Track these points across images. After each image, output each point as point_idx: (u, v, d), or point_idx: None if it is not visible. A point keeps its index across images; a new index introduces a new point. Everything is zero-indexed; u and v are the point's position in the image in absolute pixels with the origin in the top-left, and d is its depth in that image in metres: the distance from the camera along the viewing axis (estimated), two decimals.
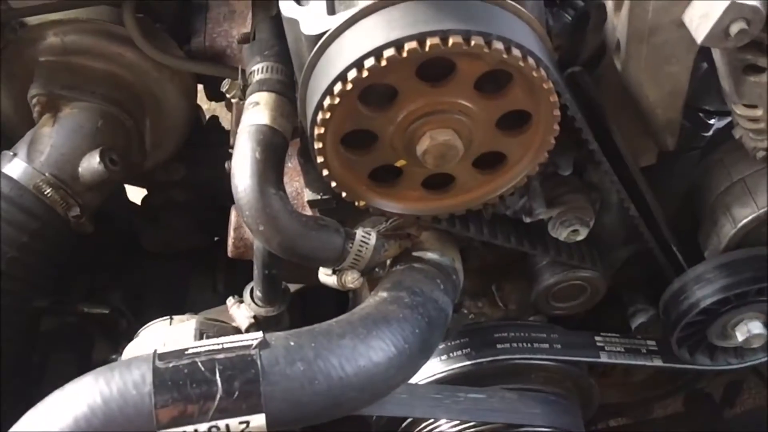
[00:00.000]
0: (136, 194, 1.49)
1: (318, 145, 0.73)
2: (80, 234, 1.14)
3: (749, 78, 0.76)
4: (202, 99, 1.44)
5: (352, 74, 0.67)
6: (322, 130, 0.72)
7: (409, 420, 0.99)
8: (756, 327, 0.94)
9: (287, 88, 0.84)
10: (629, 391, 1.30)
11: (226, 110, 1.23)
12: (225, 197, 1.12)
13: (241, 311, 0.96)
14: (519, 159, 0.80)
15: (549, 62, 0.72)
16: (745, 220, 0.90)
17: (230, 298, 0.98)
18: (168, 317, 0.97)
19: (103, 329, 1.32)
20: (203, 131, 1.43)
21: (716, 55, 0.76)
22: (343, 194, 0.79)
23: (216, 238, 1.47)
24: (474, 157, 0.79)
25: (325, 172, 0.76)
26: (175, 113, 1.24)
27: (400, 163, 0.78)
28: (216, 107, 1.73)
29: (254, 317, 0.95)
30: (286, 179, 1.01)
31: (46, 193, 1.09)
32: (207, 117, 1.50)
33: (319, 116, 0.71)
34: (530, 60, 0.69)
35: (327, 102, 0.70)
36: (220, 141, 1.30)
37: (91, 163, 1.11)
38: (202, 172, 1.38)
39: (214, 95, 1.42)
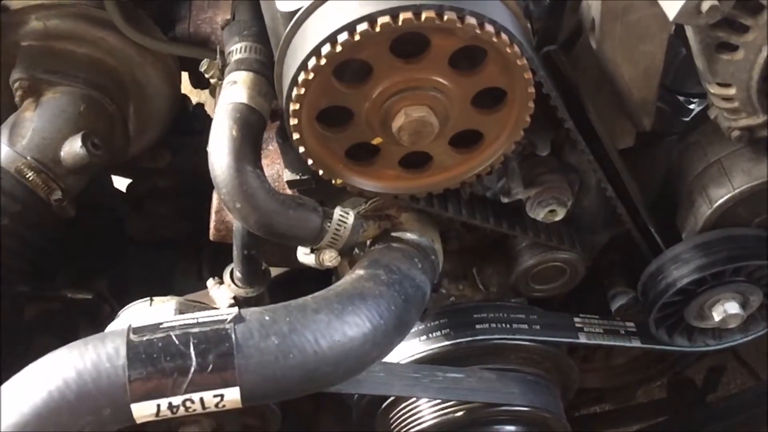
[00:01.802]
0: (121, 182, 1.49)
1: (293, 121, 0.73)
2: (62, 218, 1.14)
3: (722, 56, 0.77)
4: (192, 92, 1.45)
5: (326, 49, 0.68)
6: (297, 106, 0.72)
7: (389, 401, 0.99)
8: (732, 307, 0.95)
9: (265, 68, 0.84)
10: (610, 376, 1.30)
11: (212, 98, 1.23)
12: (210, 185, 1.13)
13: (221, 292, 0.96)
14: (495, 137, 0.81)
15: (523, 39, 0.72)
16: (720, 200, 0.91)
17: (210, 279, 0.98)
18: (148, 299, 0.98)
19: (87, 315, 1.32)
20: (189, 119, 1.43)
21: (689, 33, 0.77)
22: (320, 172, 0.80)
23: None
24: (450, 135, 0.80)
25: (302, 149, 0.77)
26: (158, 99, 1.24)
27: (376, 140, 0.79)
28: (205, 98, 1.73)
29: (234, 298, 0.95)
30: (266, 162, 1.02)
31: (27, 176, 1.09)
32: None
33: (294, 92, 0.71)
34: (504, 36, 0.70)
35: (302, 77, 0.70)
36: (206, 128, 1.31)
37: (73, 147, 1.11)
38: (188, 160, 1.38)
39: (199, 83, 1.43)
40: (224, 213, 1.07)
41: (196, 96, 1.55)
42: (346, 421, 1.13)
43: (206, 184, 1.14)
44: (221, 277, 0.98)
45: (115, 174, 1.46)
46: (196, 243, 1.43)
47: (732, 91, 0.79)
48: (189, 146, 1.37)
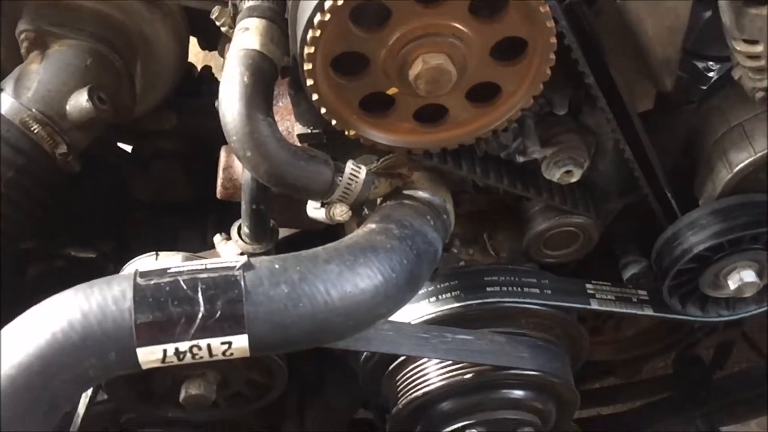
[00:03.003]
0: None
1: (308, 66, 0.71)
2: (67, 173, 1.12)
3: (750, 10, 0.74)
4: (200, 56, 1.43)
5: None
6: (312, 50, 0.70)
7: (395, 363, 0.98)
8: (748, 275, 0.93)
9: (278, 15, 0.81)
10: (619, 349, 1.29)
11: (221, 57, 1.21)
12: (216, 148, 1.11)
13: (228, 248, 0.94)
14: (514, 91, 0.79)
15: None
16: (741, 165, 0.89)
17: (218, 235, 0.97)
18: (154, 253, 0.96)
19: (91, 275, 1.30)
20: (195, 81, 1.40)
21: None
22: (333, 122, 0.78)
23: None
24: (468, 87, 0.78)
25: (315, 97, 0.75)
26: (166, 56, 1.22)
27: (391, 91, 0.77)
28: (212, 61, 1.71)
29: (241, 254, 0.93)
30: (277, 118, 0.99)
31: (32, 129, 1.07)
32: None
33: (309, 34, 0.69)
34: None
35: (317, 18, 0.68)
36: (213, 91, 1.29)
37: (79, 101, 1.09)
38: (194, 122, 1.36)
39: (207, 44, 1.40)
40: (232, 171, 1.06)
41: (204, 60, 1.53)
42: (351, 386, 1.12)
43: (212, 148, 1.14)
44: (228, 234, 0.97)
45: (121, 141, 1.45)
46: (201, 207, 1.41)
47: (759, 48, 0.77)
48: (196, 109, 1.35)
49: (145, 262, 0.94)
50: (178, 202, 1.43)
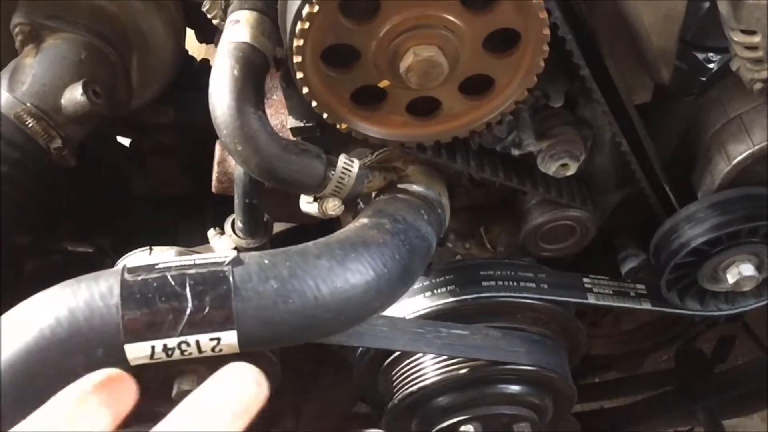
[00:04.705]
0: (125, 139, 1.47)
1: (297, 58, 0.70)
2: (62, 167, 1.11)
3: (747, 0, 0.73)
4: (197, 49, 1.42)
5: None
6: (301, 42, 0.69)
7: (391, 358, 0.97)
8: (747, 269, 0.92)
9: (269, 7, 0.81)
10: (619, 343, 1.28)
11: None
12: (215, 142, 1.10)
13: (222, 242, 0.94)
14: (507, 83, 0.78)
15: None
16: (740, 157, 0.87)
17: (212, 229, 0.96)
18: (148, 247, 0.96)
19: (88, 270, 1.30)
20: (193, 75, 1.40)
21: None
22: (324, 115, 0.77)
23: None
24: (460, 79, 0.77)
25: (305, 90, 0.74)
26: (162, 50, 1.21)
27: (383, 83, 0.76)
28: (210, 54, 1.70)
29: (235, 249, 0.93)
30: (270, 111, 1.00)
31: (27, 123, 1.06)
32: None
33: (298, 26, 0.68)
34: None
35: (306, 10, 0.67)
36: None
37: (74, 95, 1.08)
38: (192, 116, 1.36)
39: (205, 38, 1.39)
40: (227, 164, 1.05)
41: (201, 53, 1.53)
42: (347, 381, 1.12)
43: (210, 141, 1.13)
44: (222, 228, 0.96)
45: (119, 134, 1.44)
46: (199, 201, 1.41)
47: (756, 39, 0.76)
48: (193, 102, 1.34)
49: (139, 256, 0.94)
50: (176, 197, 1.43)
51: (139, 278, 0.65)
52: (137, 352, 0.64)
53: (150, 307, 0.63)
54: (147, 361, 0.65)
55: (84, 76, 1.10)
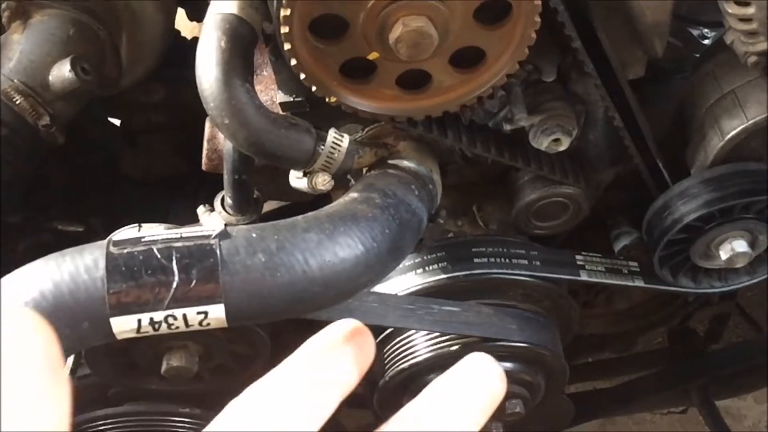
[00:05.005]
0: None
1: (284, 29, 0.69)
2: (51, 145, 1.10)
3: None
4: (189, 27, 1.40)
5: None
6: (288, 12, 0.68)
7: (383, 335, 0.97)
8: (740, 245, 0.92)
9: None
10: (612, 323, 1.28)
11: None
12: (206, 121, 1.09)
13: (211, 219, 0.93)
14: (498, 56, 0.77)
15: None
16: (733, 132, 0.87)
17: (201, 206, 0.95)
18: (137, 224, 0.95)
19: None
20: (184, 53, 1.38)
21: None
22: (313, 88, 0.76)
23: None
24: (451, 52, 0.76)
25: (293, 62, 0.73)
26: (151, 26, 1.20)
27: (372, 55, 0.75)
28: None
29: (225, 226, 0.92)
30: (260, 88, 0.98)
31: (15, 100, 1.05)
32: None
33: None
34: None
35: None
36: None
37: (62, 71, 1.07)
38: (183, 94, 1.34)
39: (196, 16, 1.38)
40: (216, 141, 1.04)
41: (193, 32, 1.51)
42: None
43: (202, 120, 1.12)
44: (212, 205, 0.96)
45: (110, 114, 1.43)
46: (192, 180, 1.40)
47: (751, 10, 0.75)
48: (184, 81, 1.32)
49: (127, 233, 0.93)
50: (168, 176, 1.42)
51: (125, 251, 0.64)
52: (123, 325, 0.63)
53: (136, 280, 0.63)
54: (134, 334, 0.64)
55: (72, 52, 1.09)
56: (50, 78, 1.07)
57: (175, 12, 1.26)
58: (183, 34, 1.41)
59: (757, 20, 0.76)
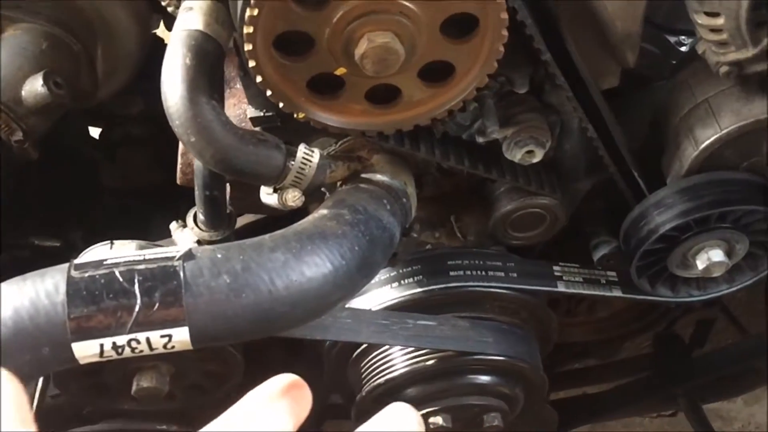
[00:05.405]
0: (96, 131, 1.45)
1: (248, 46, 0.69)
2: (24, 161, 1.09)
3: None
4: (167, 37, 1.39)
5: None
6: (251, 29, 0.67)
7: (360, 349, 0.96)
8: (716, 255, 0.91)
9: None
10: (594, 330, 1.27)
11: None
12: None
13: (184, 235, 0.92)
14: (467, 69, 0.76)
15: None
16: (707, 142, 0.86)
17: (174, 222, 0.94)
18: (109, 242, 0.94)
19: (55, 264, 1.28)
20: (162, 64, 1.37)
21: None
22: (281, 105, 0.75)
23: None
24: (419, 66, 0.75)
25: (259, 79, 0.72)
26: (127, 39, 1.19)
27: (339, 71, 0.74)
28: None
29: (198, 242, 0.91)
30: (233, 101, 0.98)
31: None
32: None
33: (247, 13, 0.66)
34: None
35: None
36: None
37: (34, 86, 1.06)
38: (161, 106, 1.33)
39: (172, 25, 1.36)
40: (190, 155, 1.03)
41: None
42: (320, 373, 1.11)
43: None
44: (185, 221, 0.95)
45: (90, 124, 1.42)
46: (172, 192, 1.39)
47: (720, 21, 0.74)
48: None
49: (99, 251, 0.92)
50: (149, 188, 1.41)
51: (86, 275, 0.63)
52: (85, 350, 0.62)
53: (97, 304, 0.62)
54: (97, 359, 0.63)
55: (45, 66, 1.08)
56: (23, 93, 1.06)
57: (154, 24, 1.25)
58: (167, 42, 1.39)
59: (727, 31, 0.75)
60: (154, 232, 1.39)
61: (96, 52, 1.18)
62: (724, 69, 0.80)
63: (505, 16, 0.70)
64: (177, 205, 1.40)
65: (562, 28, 0.79)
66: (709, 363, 1.39)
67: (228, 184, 0.95)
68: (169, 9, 0.85)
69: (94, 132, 1.44)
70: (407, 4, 0.68)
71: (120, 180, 1.40)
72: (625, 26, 0.81)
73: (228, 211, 0.93)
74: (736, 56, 0.78)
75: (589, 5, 0.79)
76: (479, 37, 0.73)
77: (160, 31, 1.31)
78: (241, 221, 1.09)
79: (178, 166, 1.03)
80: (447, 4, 0.69)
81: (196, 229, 0.91)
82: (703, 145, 0.86)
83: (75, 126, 1.38)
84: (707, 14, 0.75)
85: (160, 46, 1.43)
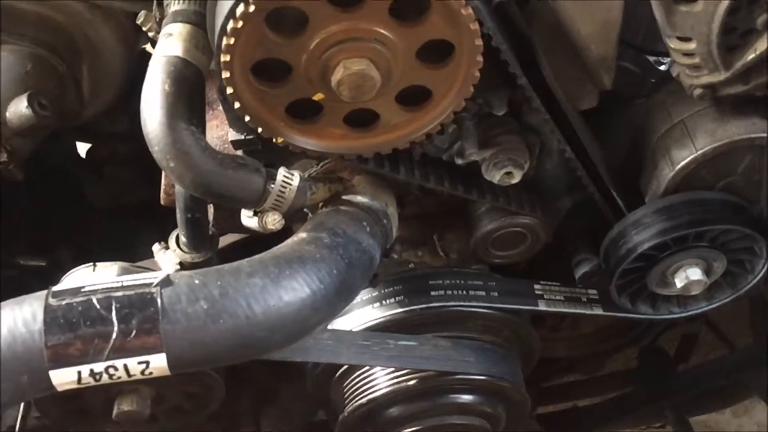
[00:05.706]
0: (84, 148, 1.45)
1: (225, 74, 0.69)
2: (9, 181, 1.10)
3: (680, 8, 0.73)
4: None
5: None
6: (228, 57, 0.68)
7: (342, 369, 0.97)
8: (695, 273, 0.92)
9: (203, 20, 0.79)
10: (578, 345, 1.28)
11: None
12: None
13: (166, 257, 0.92)
14: (444, 94, 0.77)
15: None
16: (683, 162, 0.87)
17: (156, 244, 0.95)
18: (92, 264, 0.95)
19: (43, 284, 1.28)
20: None
21: None
22: (260, 130, 0.76)
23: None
24: (396, 91, 0.76)
25: (237, 105, 0.73)
26: (112, 58, 1.19)
27: (317, 96, 0.75)
28: None
29: (180, 264, 0.92)
30: (216, 123, 0.98)
31: None
32: None
33: (224, 42, 0.67)
34: None
35: (230, 26, 0.66)
36: None
37: (19, 108, 1.06)
38: None
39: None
40: None
41: None
42: (306, 391, 1.11)
43: None
44: (167, 242, 0.95)
45: (78, 139, 1.42)
46: (160, 210, 1.39)
47: (692, 46, 0.76)
48: None
49: (82, 273, 0.93)
50: (137, 205, 1.41)
51: (64, 302, 0.64)
52: (63, 377, 0.63)
53: (74, 331, 0.62)
54: (75, 386, 0.64)
55: (30, 87, 1.08)
56: (7, 114, 1.06)
57: (140, 43, 1.26)
58: None
59: (699, 55, 0.77)
60: (141, 249, 1.40)
61: (82, 72, 1.19)
62: (698, 91, 0.81)
63: (479, 42, 0.71)
64: (164, 222, 1.41)
65: (537, 52, 0.80)
66: (695, 377, 1.40)
67: (211, 206, 0.96)
68: (150, 34, 0.86)
69: (82, 149, 1.44)
70: (383, 31, 0.69)
71: (107, 197, 1.40)
72: (600, 49, 0.82)
73: (210, 233, 0.93)
74: (709, 79, 0.79)
75: (564, 30, 0.80)
76: (455, 62, 0.74)
77: (149, 47, 1.32)
78: (226, 240, 1.10)
79: (162, 187, 1.04)
80: (422, 31, 0.70)
81: (178, 251, 0.92)
82: (679, 166, 0.87)
83: (62, 145, 1.39)
84: (679, 39, 0.76)
85: (147, 63, 1.44)
